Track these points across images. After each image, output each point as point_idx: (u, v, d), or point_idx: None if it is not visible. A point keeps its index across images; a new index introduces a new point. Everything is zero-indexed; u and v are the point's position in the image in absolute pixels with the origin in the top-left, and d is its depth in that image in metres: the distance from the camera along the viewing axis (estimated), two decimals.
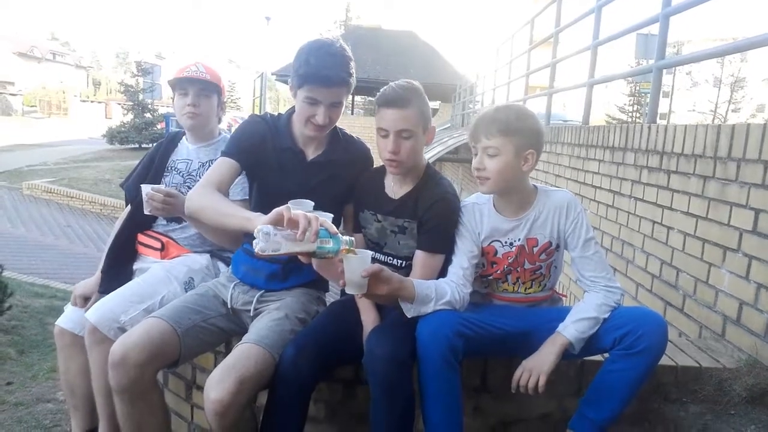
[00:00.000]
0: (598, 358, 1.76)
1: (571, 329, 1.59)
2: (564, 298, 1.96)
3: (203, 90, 2.21)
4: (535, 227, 1.70)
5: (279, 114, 1.97)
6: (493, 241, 1.72)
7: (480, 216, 1.72)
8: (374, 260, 1.78)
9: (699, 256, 2.30)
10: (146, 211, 2.03)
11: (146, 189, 2.01)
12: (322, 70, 1.71)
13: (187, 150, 2.29)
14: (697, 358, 1.95)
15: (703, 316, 2.25)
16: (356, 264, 1.44)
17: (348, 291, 1.48)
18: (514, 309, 1.75)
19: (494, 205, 1.72)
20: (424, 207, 1.75)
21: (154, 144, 2.47)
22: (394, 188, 1.83)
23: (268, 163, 1.87)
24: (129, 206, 2.27)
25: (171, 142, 2.36)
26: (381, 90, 1.73)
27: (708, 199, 2.26)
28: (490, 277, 1.76)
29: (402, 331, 1.58)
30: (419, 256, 1.75)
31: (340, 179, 1.90)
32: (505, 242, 1.72)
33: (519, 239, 1.71)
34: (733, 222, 2.09)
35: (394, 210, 1.81)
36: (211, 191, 1.72)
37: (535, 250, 1.71)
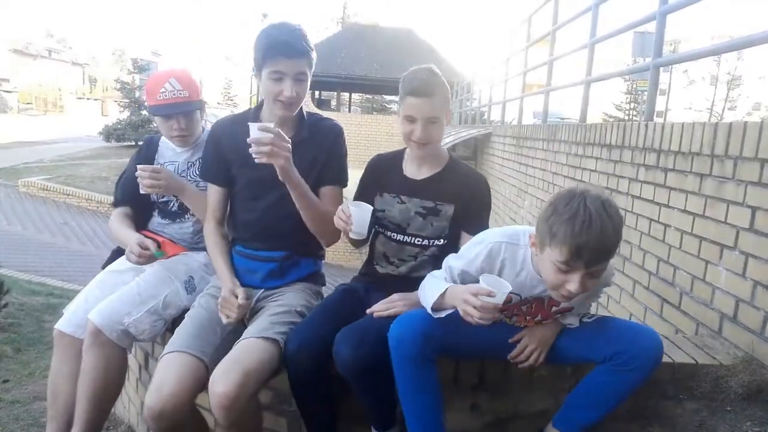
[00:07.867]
0: None
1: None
2: None
3: (187, 110, 2.13)
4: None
5: (248, 109, 2.02)
6: (512, 293, 1.51)
7: (522, 261, 1.54)
8: (396, 242, 1.87)
9: (696, 253, 2.31)
10: (141, 191, 2.02)
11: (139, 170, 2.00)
12: (284, 37, 1.77)
13: (173, 152, 2.25)
14: (694, 355, 1.96)
15: (700, 314, 2.26)
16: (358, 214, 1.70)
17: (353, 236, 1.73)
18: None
19: (531, 260, 1.53)
20: (465, 188, 1.84)
21: (133, 155, 2.36)
22: (414, 170, 1.89)
23: (240, 161, 1.89)
24: (119, 208, 2.26)
25: (149, 148, 2.31)
26: (405, 77, 1.79)
27: (705, 197, 2.26)
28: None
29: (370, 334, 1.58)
30: (466, 239, 1.77)
31: (313, 160, 1.92)
32: (525, 298, 1.58)
33: (540, 293, 1.55)
34: (730, 220, 2.09)
35: (419, 191, 1.86)
36: (212, 229, 2.01)
37: (554, 309, 1.61)
